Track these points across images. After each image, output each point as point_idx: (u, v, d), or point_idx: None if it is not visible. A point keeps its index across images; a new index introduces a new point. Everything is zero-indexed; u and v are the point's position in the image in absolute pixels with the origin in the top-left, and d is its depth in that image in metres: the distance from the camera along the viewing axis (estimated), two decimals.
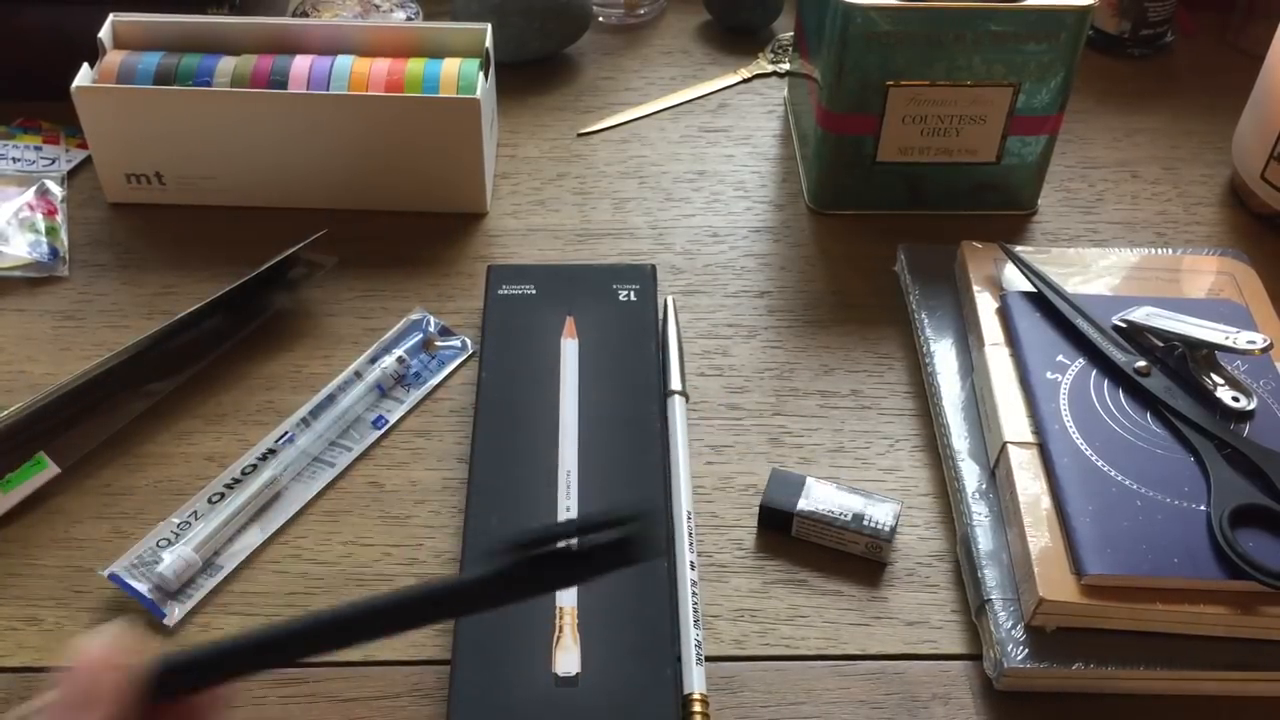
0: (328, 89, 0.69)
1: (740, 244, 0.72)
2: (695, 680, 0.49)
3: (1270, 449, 0.53)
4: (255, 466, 0.58)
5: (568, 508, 0.54)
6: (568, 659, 0.49)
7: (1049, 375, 0.57)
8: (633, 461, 0.56)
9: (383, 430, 0.60)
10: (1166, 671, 0.49)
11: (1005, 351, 0.60)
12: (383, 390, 0.62)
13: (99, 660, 0.31)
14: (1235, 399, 0.56)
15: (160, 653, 0.32)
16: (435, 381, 0.63)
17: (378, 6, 0.83)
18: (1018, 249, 0.65)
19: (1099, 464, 0.53)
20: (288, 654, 0.32)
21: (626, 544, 0.31)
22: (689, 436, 0.59)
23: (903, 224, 0.73)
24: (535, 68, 0.85)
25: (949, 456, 0.58)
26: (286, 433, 0.59)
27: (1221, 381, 0.57)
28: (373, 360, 0.63)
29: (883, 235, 0.71)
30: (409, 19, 0.83)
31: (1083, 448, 0.54)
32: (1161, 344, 0.59)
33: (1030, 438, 0.55)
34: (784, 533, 0.56)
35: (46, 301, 0.67)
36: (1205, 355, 0.58)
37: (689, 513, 0.55)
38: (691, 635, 0.51)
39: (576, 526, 0.31)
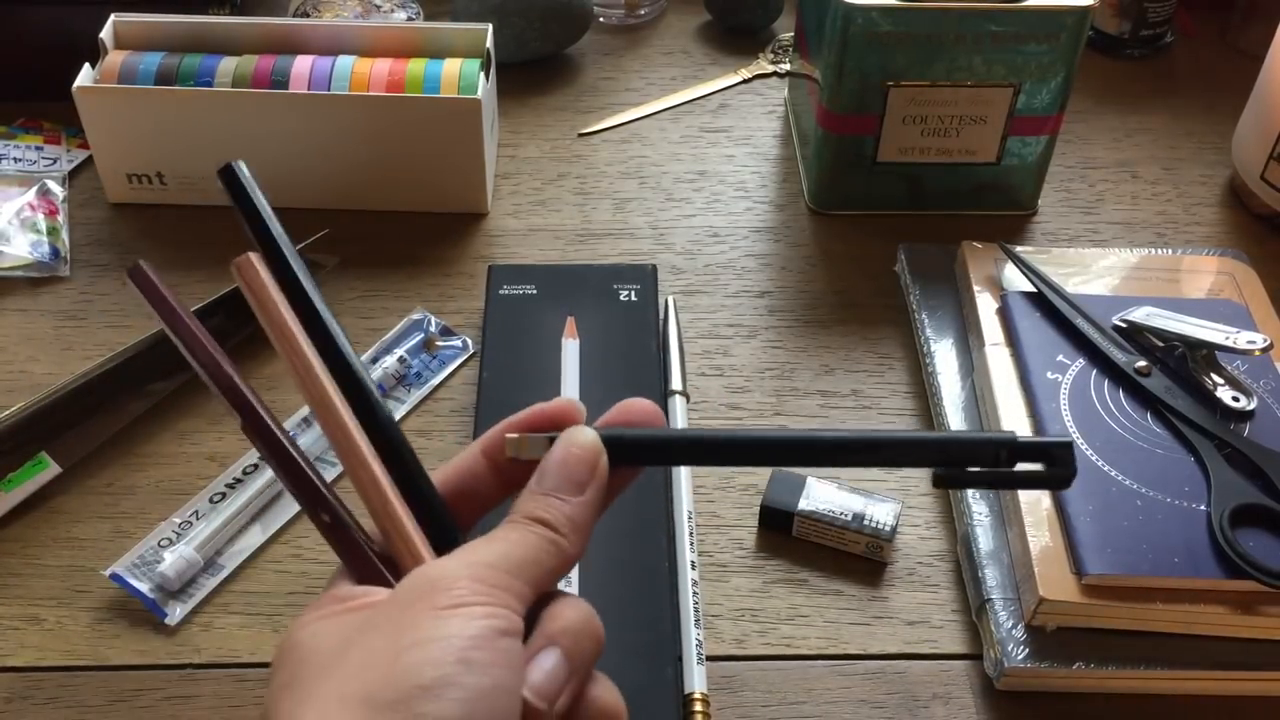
0: (328, 89, 0.69)
1: (741, 244, 0.72)
2: (696, 680, 0.49)
3: (1270, 449, 0.53)
4: (256, 466, 0.58)
5: None
6: None
7: (1049, 375, 0.58)
8: None
9: None
10: (1166, 671, 0.49)
11: (1005, 351, 0.60)
12: (384, 390, 0.62)
13: (590, 452, 0.34)
14: (1235, 399, 0.56)
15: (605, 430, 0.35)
16: (436, 381, 0.63)
17: (378, 7, 0.83)
18: (1018, 249, 0.65)
19: (1099, 464, 0.53)
20: (707, 459, 0.36)
21: (1051, 477, 0.33)
22: None
23: (903, 224, 0.73)
24: (536, 68, 0.85)
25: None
26: (288, 432, 0.59)
27: (1221, 381, 0.57)
28: (374, 360, 0.63)
29: (883, 235, 0.71)
30: (410, 19, 0.83)
31: (1083, 447, 0.54)
32: (1161, 344, 0.59)
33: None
34: (784, 532, 0.56)
35: (48, 301, 0.67)
36: (1205, 355, 0.58)
37: (690, 512, 0.55)
38: (692, 635, 0.51)
39: (1008, 448, 0.33)
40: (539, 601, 0.33)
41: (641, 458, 0.36)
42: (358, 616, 0.32)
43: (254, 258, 0.34)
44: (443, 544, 0.34)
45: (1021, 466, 0.33)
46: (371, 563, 0.34)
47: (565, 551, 0.33)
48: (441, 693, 0.29)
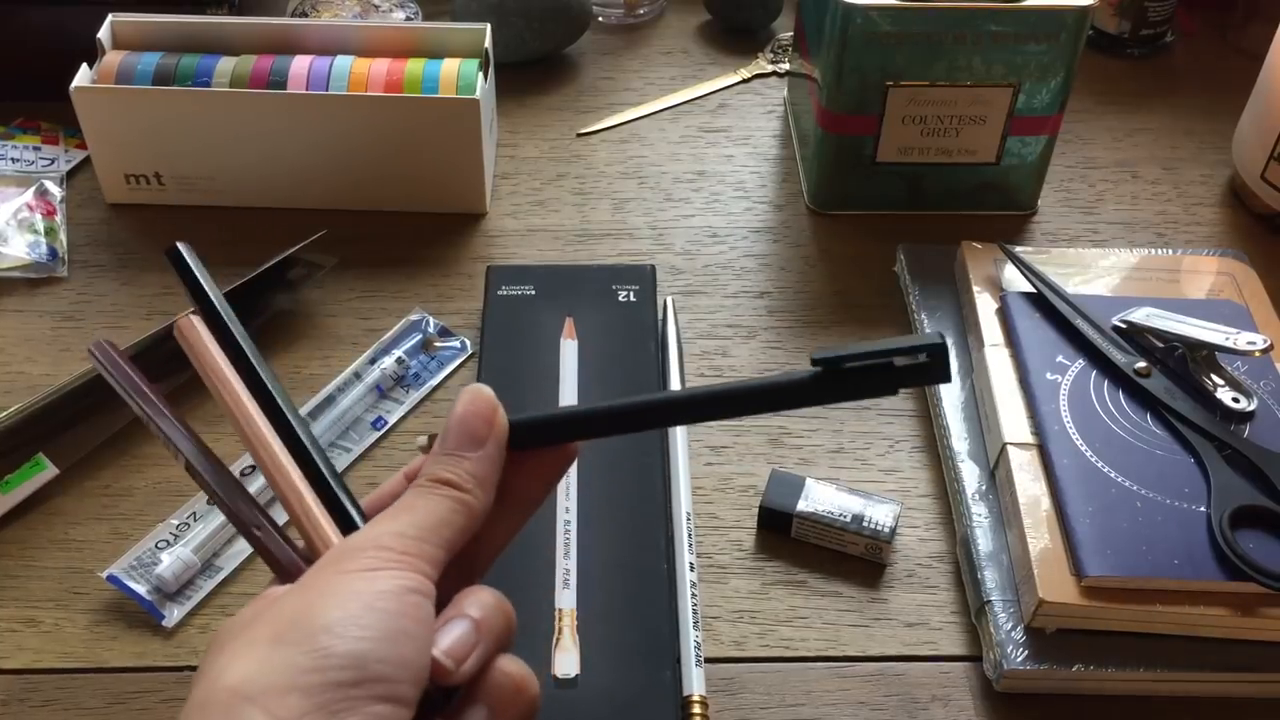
0: (327, 89, 0.69)
1: (740, 244, 0.72)
2: (695, 682, 0.49)
3: (1270, 450, 0.53)
4: (254, 468, 0.57)
5: (567, 509, 0.54)
6: (567, 661, 0.49)
7: (1049, 376, 0.57)
8: (632, 463, 0.56)
9: (382, 431, 0.60)
10: (1166, 673, 0.49)
11: (1005, 352, 0.60)
12: (382, 391, 0.62)
13: (485, 406, 0.36)
14: (1235, 400, 0.56)
15: (513, 414, 0.37)
16: (435, 382, 0.63)
17: (377, 6, 0.83)
18: (1017, 249, 0.65)
19: (1099, 465, 0.53)
20: (619, 427, 0.37)
21: (928, 368, 0.34)
22: (689, 437, 0.59)
23: (903, 224, 0.73)
24: (535, 68, 0.85)
25: (949, 457, 0.58)
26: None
27: (1222, 382, 0.57)
28: (372, 361, 0.63)
29: (883, 235, 0.71)
30: (408, 19, 0.83)
31: (1083, 449, 0.54)
32: (1161, 345, 0.59)
33: (1030, 439, 0.55)
34: (783, 534, 0.56)
35: (45, 302, 0.67)
36: (1205, 356, 0.58)
37: (689, 514, 0.55)
38: (691, 637, 0.50)
39: (882, 349, 0.34)
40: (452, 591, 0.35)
41: (546, 437, 0.37)
42: (275, 597, 0.33)
43: (195, 320, 0.39)
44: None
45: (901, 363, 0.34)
46: (295, 563, 0.37)
47: (472, 507, 0.35)
48: (346, 630, 0.30)
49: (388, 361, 0.62)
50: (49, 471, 0.56)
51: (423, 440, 0.38)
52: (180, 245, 0.40)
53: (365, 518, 0.36)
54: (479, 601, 0.34)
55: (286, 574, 0.37)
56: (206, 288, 0.40)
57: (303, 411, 0.60)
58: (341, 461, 0.59)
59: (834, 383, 0.34)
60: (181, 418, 0.39)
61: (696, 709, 0.48)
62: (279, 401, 0.38)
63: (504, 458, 0.36)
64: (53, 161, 0.75)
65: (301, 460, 0.38)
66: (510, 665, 0.35)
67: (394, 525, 0.34)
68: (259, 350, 0.38)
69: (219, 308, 0.39)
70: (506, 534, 0.38)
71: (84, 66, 0.70)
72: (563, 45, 0.85)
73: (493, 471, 0.36)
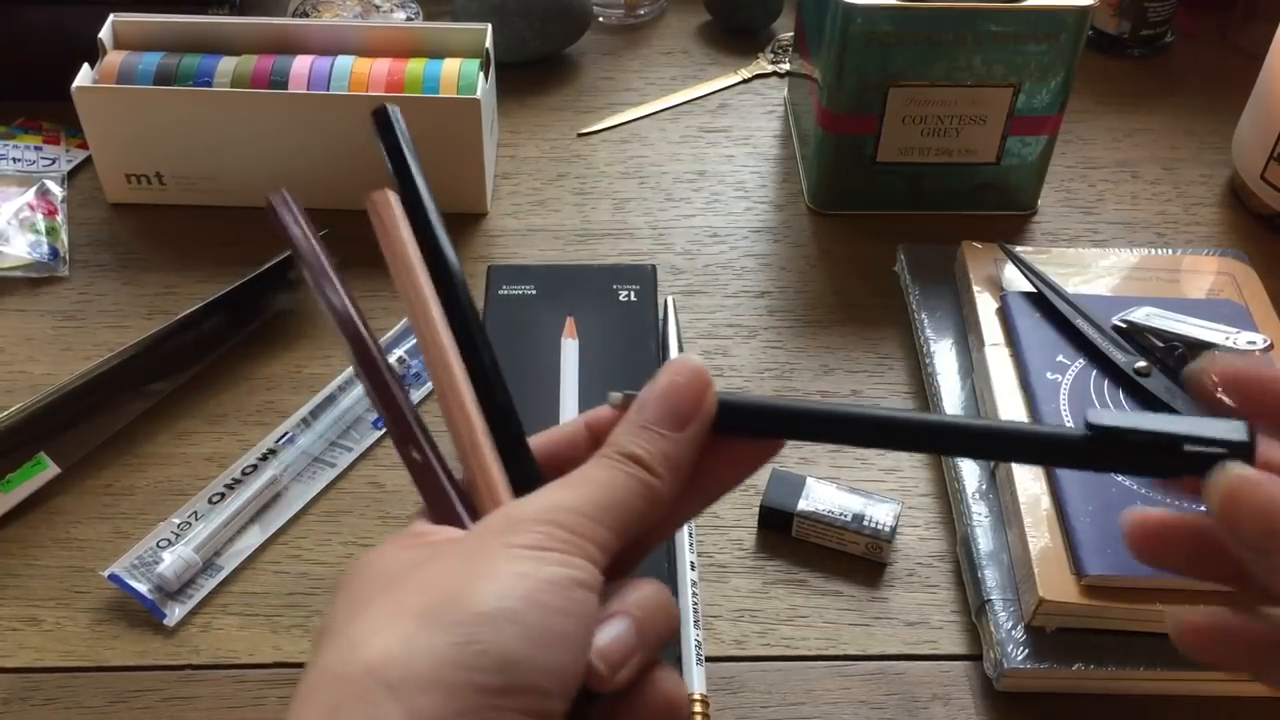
0: (328, 89, 0.69)
1: (740, 244, 0.72)
2: (695, 680, 0.49)
3: None
4: (255, 467, 0.58)
5: None
6: None
7: (1049, 376, 0.57)
8: None
9: (383, 430, 0.60)
10: (1166, 672, 0.49)
11: (1005, 352, 0.60)
12: None
13: (697, 382, 0.32)
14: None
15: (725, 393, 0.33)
16: None
17: (378, 7, 0.83)
18: (1018, 249, 0.65)
19: None
20: (849, 436, 0.34)
21: (1224, 460, 0.31)
22: None
23: (903, 224, 0.73)
24: (535, 68, 0.85)
25: (949, 457, 0.58)
26: (287, 433, 0.59)
27: None
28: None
29: (883, 235, 0.71)
30: (409, 19, 0.83)
31: None
32: (1161, 344, 0.59)
33: None
34: (784, 533, 0.56)
35: (47, 302, 0.67)
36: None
37: None
38: (691, 635, 0.51)
39: (1175, 433, 0.32)
40: (617, 581, 0.31)
41: (759, 427, 0.33)
42: (430, 548, 0.30)
43: (390, 195, 0.34)
44: (527, 492, 0.33)
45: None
46: (451, 504, 0.32)
47: (658, 494, 0.31)
48: (502, 625, 0.27)
49: (389, 361, 0.62)
50: (50, 471, 0.56)
51: (617, 398, 0.33)
52: (389, 108, 0.35)
53: (540, 474, 0.33)
54: (641, 597, 0.31)
55: (441, 511, 0.33)
56: (411, 163, 0.35)
57: (304, 411, 0.60)
58: (343, 460, 0.59)
59: (1110, 451, 0.32)
60: (354, 297, 0.35)
61: (697, 708, 0.48)
62: (466, 311, 0.34)
63: (705, 442, 0.32)
64: (54, 161, 0.75)
65: (480, 384, 0.33)
66: (668, 683, 0.31)
67: (571, 498, 0.30)
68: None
69: (421, 190, 0.35)
70: (680, 520, 0.34)
71: (85, 66, 0.70)
72: (563, 45, 0.86)
73: (690, 456, 0.32)
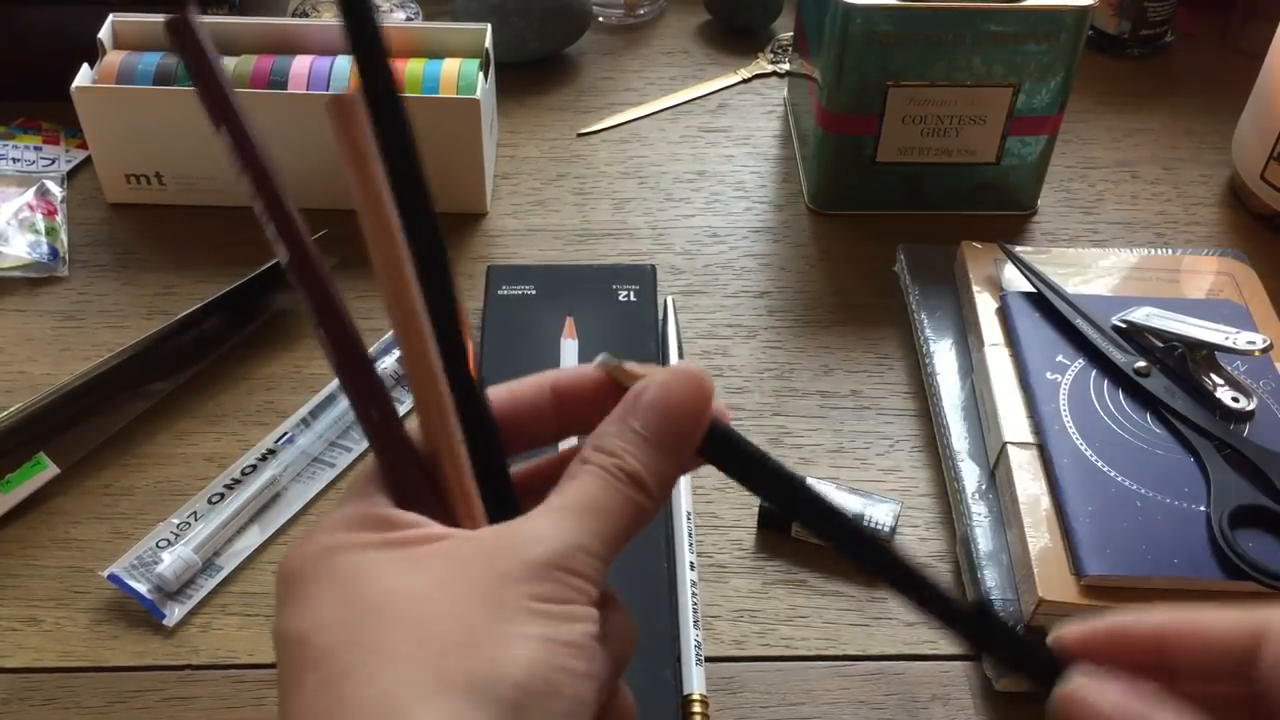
0: (328, 89, 0.69)
1: (740, 244, 0.72)
2: (695, 681, 0.49)
3: (1270, 449, 0.53)
4: (255, 467, 0.58)
5: None
6: None
7: (1049, 376, 0.57)
8: None
9: None
10: None
11: (1005, 352, 0.60)
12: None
13: (703, 400, 0.30)
14: (1235, 399, 0.56)
15: (718, 417, 0.31)
16: None
17: (377, 6, 0.83)
18: (1017, 249, 0.65)
19: (1099, 464, 0.53)
20: (797, 513, 0.33)
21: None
22: None
23: (903, 224, 0.73)
24: (535, 68, 0.85)
25: (949, 457, 0.58)
26: (286, 433, 0.59)
27: (1221, 382, 0.57)
28: (373, 360, 0.63)
29: (883, 235, 0.71)
30: (409, 19, 0.83)
31: (1082, 448, 0.54)
32: (1161, 344, 0.59)
33: (1030, 438, 0.55)
34: (784, 533, 0.56)
35: (46, 302, 0.67)
36: (1205, 356, 0.58)
37: (689, 513, 0.55)
38: (691, 636, 0.51)
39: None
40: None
41: (721, 458, 0.31)
42: (423, 562, 0.28)
43: (357, 98, 0.29)
44: (490, 478, 0.30)
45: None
46: (420, 482, 0.29)
47: (647, 517, 0.30)
48: (544, 702, 0.26)
49: (388, 361, 0.63)
50: (50, 471, 0.56)
51: (611, 362, 0.31)
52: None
53: (501, 443, 0.30)
54: (618, 631, 0.30)
55: (405, 491, 0.29)
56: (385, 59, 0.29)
57: (303, 411, 0.60)
58: (342, 461, 0.59)
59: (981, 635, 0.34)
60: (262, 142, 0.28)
61: (697, 708, 0.48)
62: (437, 254, 0.30)
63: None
64: (53, 161, 0.75)
65: (445, 341, 0.29)
66: (624, 702, 0.31)
67: (580, 534, 0.28)
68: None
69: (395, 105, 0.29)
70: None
71: (85, 66, 0.70)
72: (563, 45, 0.86)
73: (678, 477, 0.30)
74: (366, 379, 0.30)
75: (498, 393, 0.32)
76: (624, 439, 0.30)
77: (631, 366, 0.31)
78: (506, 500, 0.31)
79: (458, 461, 0.30)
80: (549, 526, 0.28)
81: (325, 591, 0.28)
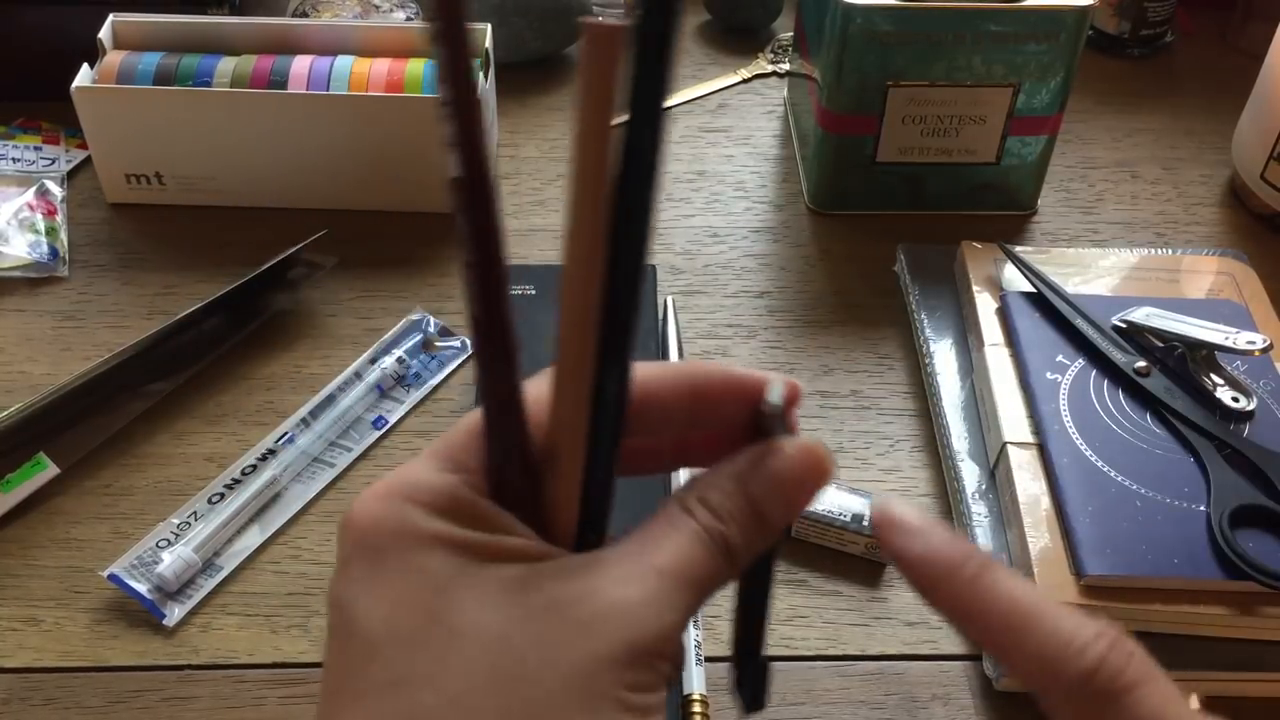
0: (327, 89, 0.69)
1: (740, 244, 0.72)
2: (695, 680, 0.49)
3: (1270, 449, 0.53)
4: (255, 467, 0.58)
5: None
6: None
7: (1049, 375, 0.57)
8: None
9: (383, 431, 0.60)
10: (1166, 672, 0.49)
11: (1005, 352, 0.60)
12: (382, 391, 0.62)
13: (819, 484, 0.28)
14: (1235, 399, 0.56)
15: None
16: (435, 382, 0.63)
17: (377, 7, 0.83)
18: (1017, 249, 0.65)
19: (1099, 464, 0.53)
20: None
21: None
22: None
23: (903, 224, 0.73)
24: (535, 68, 0.85)
25: (949, 457, 0.58)
26: (286, 433, 0.59)
27: (1221, 382, 0.57)
28: (372, 361, 0.63)
29: (883, 235, 0.71)
30: (409, 19, 0.83)
31: (1082, 448, 0.54)
32: (1161, 344, 0.59)
33: (1030, 438, 0.55)
34: (784, 533, 0.56)
35: (46, 302, 0.67)
36: (1205, 356, 0.58)
37: None
38: (691, 635, 0.51)
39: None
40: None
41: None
42: (516, 597, 0.25)
43: (622, 32, 0.24)
44: (593, 488, 0.28)
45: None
46: (523, 478, 0.27)
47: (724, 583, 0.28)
48: None
49: (388, 361, 0.63)
50: (50, 471, 0.56)
51: (776, 403, 0.29)
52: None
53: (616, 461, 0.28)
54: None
55: (506, 484, 0.27)
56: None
57: (303, 411, 0.60)
58: (342, 461, 0.59)
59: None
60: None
61: (697, 708, 0.48)
62: (635, 257, 0.26)
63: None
64: (53, 161, 0.75)
65: (608, 339, 0.26)
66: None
67: (679, 612, 0.26)
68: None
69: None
70: None
71: (85, 66, 0.70)
72: (563, 45, 0.86)
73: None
74: (504, 354, 0.27)
75: (642, 370, 0.29)
76: (737, 505, 0.28)
77: (777, 409, 0.29)
78: (598, 513, 0.28)
79: (575, 474, 0.27)
80: (650, 597, 0.26)
81: (401, 586, 0.26)
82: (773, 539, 0.29)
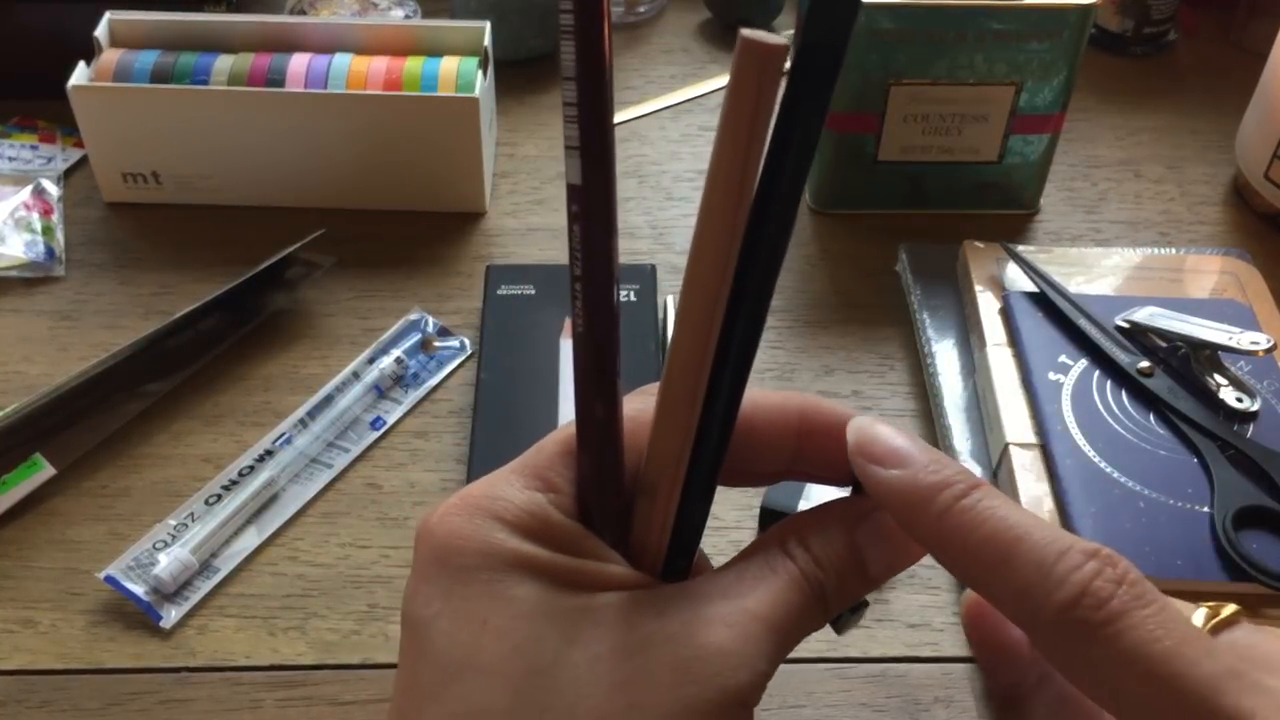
0: (325, 88, 0.69)
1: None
2: None
3: (1274, 450, 0.53)
4: (252, 468, 0.57)
5: None
6: None
7: (1051, 376, 0.57)
8: None
9: (381, 431, 0.60)
10: None
11: (1007, 352, 0.59)
12: (381, 391, 0.61)
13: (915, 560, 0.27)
14: (1239, 400, 0.56)
15: None
16: (434, 382, 0.63)
17: (376, 4, 0.83)
18: (1020, 249, 0.64)
19: (1101, 465, 0.53)
20: None
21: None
22: None
23: (904, 223, 0.72)
24: (534, 66, 0.85)
25: (951, 457, 0.58)
26: (284, 434, 0.59)
27: (1225, 382, 0.56)
28: (370, 361, 0.62)
29: (884, 235, 0.71)
30: (407, 17, 0.82)
31: (1085, 449, 0.54)
32: (1164, 344, 0.59)
33: (1032, 439, 0.55)
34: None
35: (43, 302, 0.66)
36: (1209, 356, 0.57)
37: None
38: None
39: None
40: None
41: None
42: (602, 631, 0.25)
43: (785, 50, 0.24)
44: (685, 521, 0.27)
45: None
46: (614, 503, 0.26)
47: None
48: None
49: (386, 361, 0.62)
50: (46, 472, 0.56)
51: (863, 431, 0.27)
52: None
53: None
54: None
55: (597, 508, 0.26)
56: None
57: (301, 412, 0.60)
58: (340, 461, 0.58)
59: None
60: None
61: None
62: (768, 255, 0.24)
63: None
64: (50, 160, 0.75)
65: (726, 360, 0.25)
66: None
67: (771, 663, 0.26)
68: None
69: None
70: None
71: (81, 64, 0.69)
72: None
73: None
74: (607, 372, 0.26)
75: (751, 396, 0.28)
76: (839, 553, 0.28)
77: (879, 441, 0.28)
78: (689, 541, 0.27)
79: (672, 501, 0.26)
80: (744, 643, 0.25)
81: (485, 612, 0.25)
82: (868, 591, 0.28)
